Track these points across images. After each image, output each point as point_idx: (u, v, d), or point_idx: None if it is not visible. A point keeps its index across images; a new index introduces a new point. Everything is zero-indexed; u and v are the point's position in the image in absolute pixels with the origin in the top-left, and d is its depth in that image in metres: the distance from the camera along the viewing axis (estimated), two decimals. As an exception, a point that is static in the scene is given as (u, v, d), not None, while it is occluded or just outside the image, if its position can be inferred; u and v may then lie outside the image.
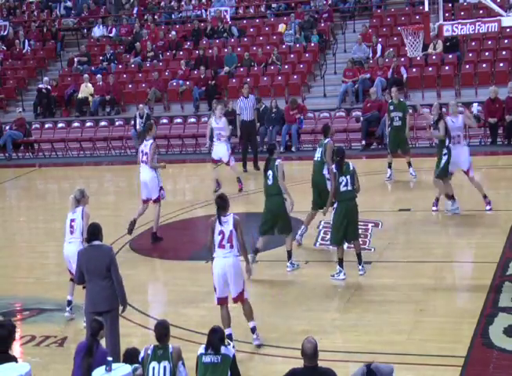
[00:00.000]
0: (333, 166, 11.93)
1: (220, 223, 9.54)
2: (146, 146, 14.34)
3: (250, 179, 19.22)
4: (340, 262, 11.84)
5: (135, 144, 23.65)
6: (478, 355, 9.01)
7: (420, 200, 16.16)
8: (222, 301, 9.71)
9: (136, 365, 7.30)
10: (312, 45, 26.25)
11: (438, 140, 14.66)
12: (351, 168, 11.78)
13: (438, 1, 11.83)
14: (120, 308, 9.04)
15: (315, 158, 13.31)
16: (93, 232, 9.09)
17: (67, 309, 11.15)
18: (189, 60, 26.96)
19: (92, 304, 9.03)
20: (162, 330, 7.45)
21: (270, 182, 12.13)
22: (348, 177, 11.70)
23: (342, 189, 11.74)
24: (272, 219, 12.29)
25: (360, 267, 11.91)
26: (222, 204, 9.66)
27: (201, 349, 7.38)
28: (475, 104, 21.23)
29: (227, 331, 9.28)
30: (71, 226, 10.86)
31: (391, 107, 17.36)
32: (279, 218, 12.22)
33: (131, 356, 7.51)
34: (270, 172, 12.11)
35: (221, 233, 9.54)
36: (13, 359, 7.71)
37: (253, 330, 9.81)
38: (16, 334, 7.86)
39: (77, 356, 7.62)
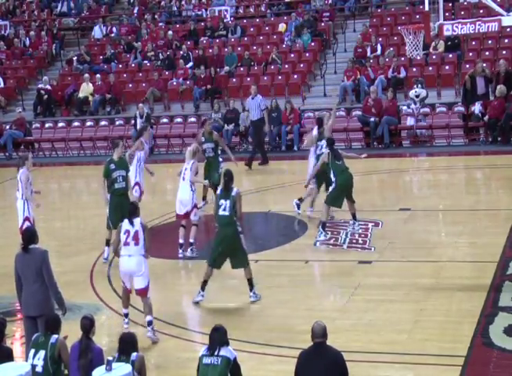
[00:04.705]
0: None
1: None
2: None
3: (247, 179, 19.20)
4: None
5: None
6: (478, 354, 9.00)
7: (420, 199, 16.17)
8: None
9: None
10: (313, 44, 26.23)
11: None
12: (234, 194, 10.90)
13: (438, 0, 11.81)
14: (60, 312, 8.70)
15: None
16: (28, 237, 8.95)
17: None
18: (188, 60, 26.93)
19: (25, 308, 8.84)
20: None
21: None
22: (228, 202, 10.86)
23: None
24: None
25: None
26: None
27: (203, 351, 7.32)
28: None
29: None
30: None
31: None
32: None
33: (126, 342, 7.41)
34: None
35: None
36: (7, 350, 7.70)
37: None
38: (6, 328, 7.87)
39: (71, 358, 7.55)
